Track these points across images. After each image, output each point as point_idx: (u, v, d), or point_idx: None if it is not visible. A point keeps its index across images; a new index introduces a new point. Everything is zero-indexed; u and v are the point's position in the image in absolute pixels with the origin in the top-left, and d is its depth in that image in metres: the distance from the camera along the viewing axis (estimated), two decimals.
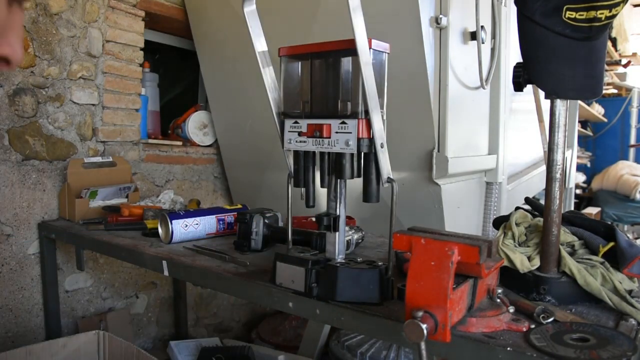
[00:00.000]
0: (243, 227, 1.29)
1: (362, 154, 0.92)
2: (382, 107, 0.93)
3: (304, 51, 0.97)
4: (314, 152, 0.98)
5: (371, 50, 0.87)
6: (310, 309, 0.93)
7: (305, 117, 0.96)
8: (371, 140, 0.89)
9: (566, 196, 3.60)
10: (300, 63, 0.99)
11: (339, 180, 0.96)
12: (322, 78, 0.96)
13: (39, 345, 1.52)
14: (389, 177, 0.91)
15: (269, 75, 0.99)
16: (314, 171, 0.99)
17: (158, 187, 2.16)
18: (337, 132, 0.91)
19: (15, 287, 1.74)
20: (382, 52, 0.92)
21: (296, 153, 0.99)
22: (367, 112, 0.87)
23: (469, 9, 1.59)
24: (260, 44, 0.98)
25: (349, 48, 0.88)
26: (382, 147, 0.89)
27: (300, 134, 0.95)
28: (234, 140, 2.27)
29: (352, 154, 0.91)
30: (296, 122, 0.96)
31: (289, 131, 0.97)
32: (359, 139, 0.88)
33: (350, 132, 0.89)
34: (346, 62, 0.93)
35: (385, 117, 0.93)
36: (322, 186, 0.99)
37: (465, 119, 1.66)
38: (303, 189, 1.00)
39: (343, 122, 0.90)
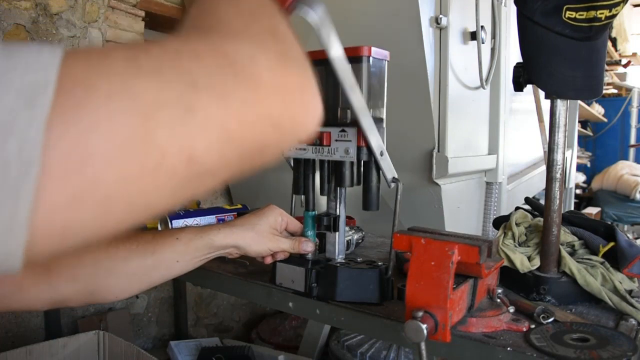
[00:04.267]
0: None
1: (362, 162, 0.92)
2: (382, 115, 0.93)
3: None
4: (314, 160, 0.98)
5: (370, 58, 0.88)
6: (310, 309, 0.93)
7: None
8: (371, 148, 0.89)
9: (566, 196, 3.60)
10: None
11: (338, 187, 0.96)
12: (322, 85, 0.95)
13: (39, 345, 1.52)
14: (394, 177, 0.91)
15: None
16: (314, 178, 0.99)
17: None
18: (336, 140, 0.91)
19: None
20: (382, 59, 0.93)
21: (296, 160, 0.99)
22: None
23: (469, 9, 1.59)
24: None
25: (349, 56, 0.88)
26: (382, 155, 0.89)
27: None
28: None
29: (351, 162, 0.91)
30: None
31: None
32: (358, 147, 0.88)
33: (350, 141, 0.89)
34: None
35: (385, 125, 0.93)
36: (321, 194, 0.98)
37: (465, 119, 1.66)
38: (303, 196, 0.99)
39: (343, 130, 0.90)
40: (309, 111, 0.37)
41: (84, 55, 0.28)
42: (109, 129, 0.26)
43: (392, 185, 0.91)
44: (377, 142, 0.88)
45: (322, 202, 1.00)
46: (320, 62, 0.95)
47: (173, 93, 0.29)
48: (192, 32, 0.36)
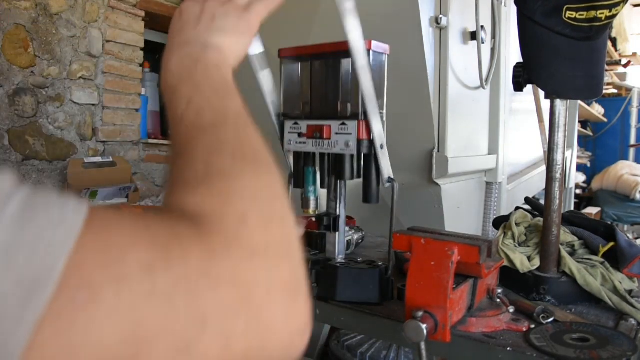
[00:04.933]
0: None
1: (362, 155, 0.92)
2: (381, 109, 0.93)
3: (304, 52, 0.97)
4: (314, 153, 0.98)
5: (370, 51, 0.87)
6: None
7: (305, 119, 0.96)
8: (371, 141, 0.89)
9: (566, 196, 3.60)
10: (300, 64, 0.99)
11: (339, 180, 0.96)
12: (322, 79, 0.96)
13: None
14: (389, 177, 0.91)
15: (267, 77, 0.94)
16: (314, 172, 0.99)
17: (158, 187, 2.16)
18: (337, 134, 0.91)
19: None
20: (382, 53, 0.92)
21: (296, 154, 0.99)
22: (366, 114, 0.87)
23: (469, 9, 1.59)
24: (254, 48, 0.90)
25: (349, 50, 0.88)
26: (382, 148, 0.89)
27: (300, 135, 0.95)
28: None
29: (352, 155, 0.91)
30: (296, 124, 0.96)
31: (289, 132, 0.97)
32: (359, 140, 0.88)
33: (350, 134, 0.89)
34: (346, 64, 0.93)
35: (385, 118, 0.93)
36: (322, 187, 0.99)
37: (465, 119, 1.66)
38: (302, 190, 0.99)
39: (343, 124, 0.90)
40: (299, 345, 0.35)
41: (101, 244, 0.27)
42: (99, 341, 0.25)
43: (387, 185, 0.91)
44: (379, 130, 0.88)
45: (322, 202, 1.00)
46: (323, 56, 0.95)
47: (177, 326, 0.27)
48: (207, 225, 0.33)
